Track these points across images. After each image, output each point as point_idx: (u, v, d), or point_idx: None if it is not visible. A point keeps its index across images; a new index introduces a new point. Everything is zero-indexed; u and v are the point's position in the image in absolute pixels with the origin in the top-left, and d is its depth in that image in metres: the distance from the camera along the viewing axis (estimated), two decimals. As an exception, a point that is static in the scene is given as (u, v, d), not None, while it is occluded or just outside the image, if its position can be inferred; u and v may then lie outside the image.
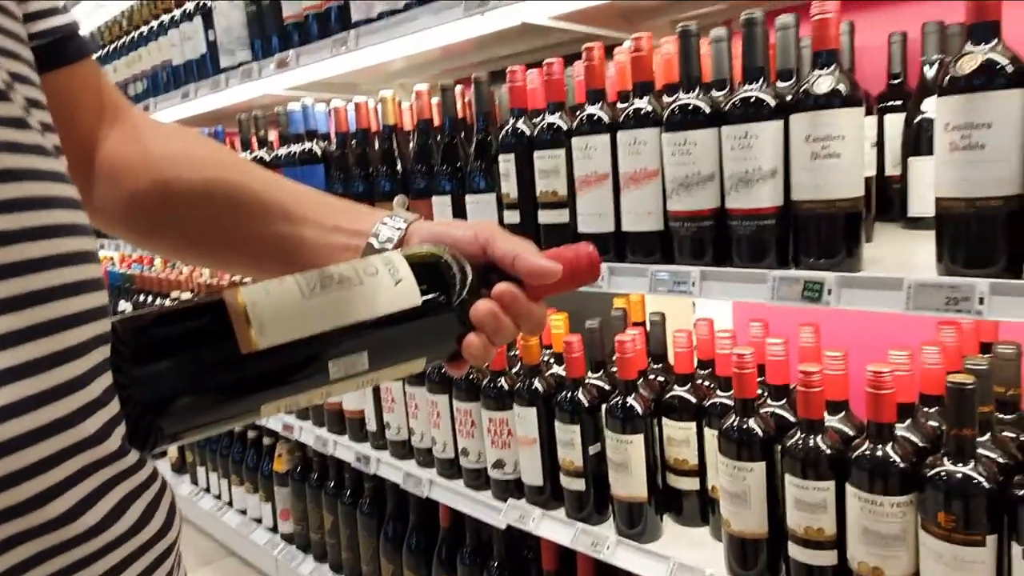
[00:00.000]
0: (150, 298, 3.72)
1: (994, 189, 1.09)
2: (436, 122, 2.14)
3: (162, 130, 0.84)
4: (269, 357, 0.61)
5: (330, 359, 0.64)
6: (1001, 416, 1.31)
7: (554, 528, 1.77)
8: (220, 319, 0.60)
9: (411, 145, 2.19)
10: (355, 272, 0.67)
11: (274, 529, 3.07)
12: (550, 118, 1.70)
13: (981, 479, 1.14)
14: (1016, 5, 1.47)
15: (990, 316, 1.09)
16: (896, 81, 1.76)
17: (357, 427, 2.41)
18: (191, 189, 0.80)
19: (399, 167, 2.20)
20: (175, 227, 0.82)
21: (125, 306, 3.88)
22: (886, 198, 1.73)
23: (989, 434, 1.25)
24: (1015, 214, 1.09)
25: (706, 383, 1.68)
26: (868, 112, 1.66)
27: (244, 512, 3.26)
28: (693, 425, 1.63)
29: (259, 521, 3.17)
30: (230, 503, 3.37)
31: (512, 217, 1.79)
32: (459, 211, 1.94)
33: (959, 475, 1.15)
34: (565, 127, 1.67)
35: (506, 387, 1.86)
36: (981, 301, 1.09)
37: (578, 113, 1.64)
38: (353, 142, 2.31)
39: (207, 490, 3.58)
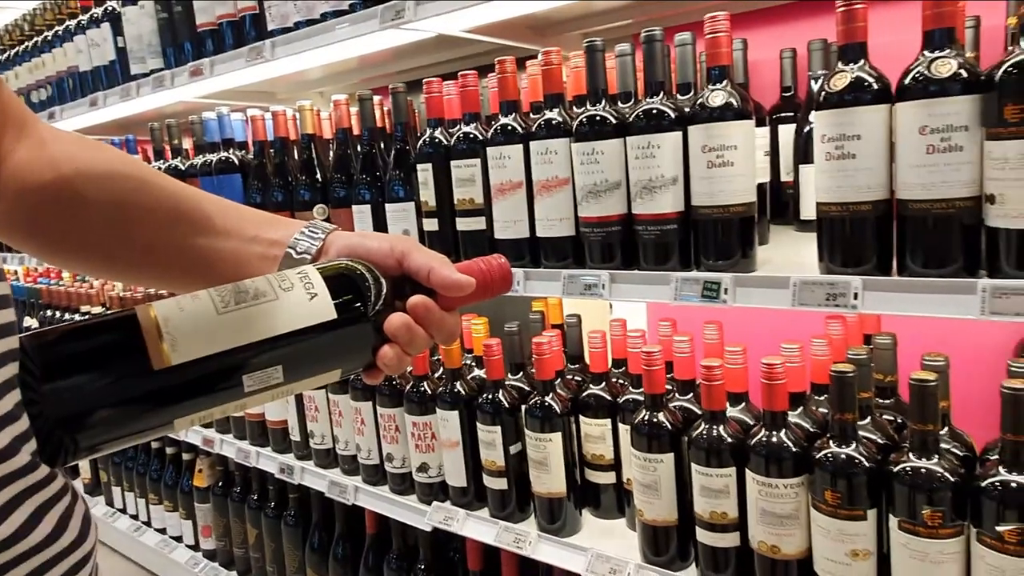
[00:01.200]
0: (58, 313, 3.56)
1: (865, 195, 1.20)
2: (355, 131, 2.16)
3: (70, 143, 0.83)
4: (182, 372, 0.62)
5: (244, 373, 0.65)
6: (880, 401, 1.44)
7: (478, 527, 1.81)
8: (131, 334, 0.61)
9: (330, 154, 2.20)
10: (270, 286, 0.69)
11: (195, 547, 2.99)
12: (466, 128, 1.75)
13: (862, 459, 1.25)
14: (886, 28, 1.62)
15: (863, 310, 1.20)
16: (787, 94, 1.89)
17: (280, 437, 2.39)
18: (101, 201, 0.80)
19: (318, 176, 2.20)
20: (87, 240, 0.82)
21: (31, 322, 3.70)
22: (781, 203, 1.86)
23: (870, 418, 1.36)
24: (883, 217, 1.20)
25: (620, 381, 1.76)
26: (761, 123, 1.79)
27: (163, 531, 3.17)
28: (608, 422, 1.71)
29: (179, 539, 3.08)
30: (148, 522, 3.27)
31: (431, 225, 1.83)
32: (379, 219, 1.97)
33: (843, 456, 1.26)
34: (480, 137, 1.72)
35: (429, 391, 1.90)
36: (856, 296, 1.20)
37: (493, 124, 1.70)
38: (271, 151, 2.30)
39: (123, 510, 3.46)
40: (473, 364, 1.99)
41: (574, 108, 1.66)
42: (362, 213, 2.00)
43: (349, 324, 0.71)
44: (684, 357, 1.57)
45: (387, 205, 1.94)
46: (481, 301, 0.80)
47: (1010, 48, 1.10)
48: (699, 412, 1.51)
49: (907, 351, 1.44)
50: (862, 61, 1.20)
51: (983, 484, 1.13)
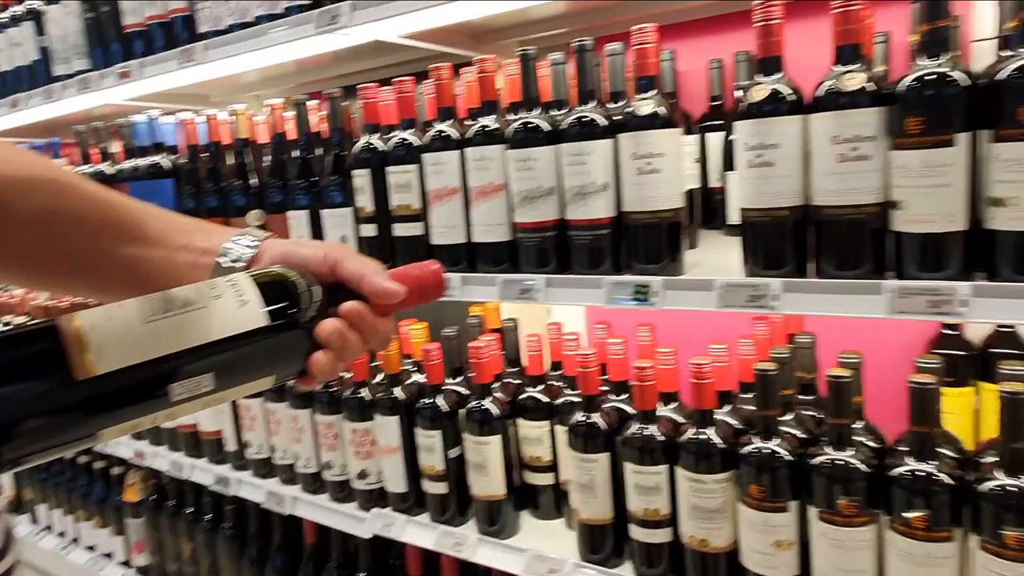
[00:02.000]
0: (-23, 324, 3.40)
1: (783, 201, 1.26)
2: (291, 136, 2.13)
3: None
4: (107, 382, 0.61)
5: (173, 382, 0.65)
6: (803, 398, 1.50)
7: (418, 533, 1.81)
8: (54, 344, 0.60)
9: (266, 159, 2.17)
10: (199, 294, 0.69)
11: (127, 564, 2.90)
12: (402, 134, 1.76)
13: (784, 453, 1.31)
14: (803, 41, 1.69)
15: (783, 310, 1.25)
16: (716, 103, 1.96)
17: (215, 448, 2.33)
18: (24, 209, 0.78)
19: (253, 181, 2.17)
20: (9, 249, 0.79)
21: (-54, 334, 3.51)
22: (710, 208, 1.92)
23: (792, 414, 1.43)
24: (800, 222, 1.26)
25: (557, 383, 1.79)
26: (691, 131, 1.85)
27: (93, 549, 3.05)
28: (546, 424, 1.73)
29: (110, 557, 2.98)
30: (76, 540, 3.14)
31: (368, 231, 1.83)
32: (316, 225, 1.95)
33: (766, 451, 1.31)
34: (417, 143, 1.73)
35: (368, 398, 1.89)
36: (775, 298, 1.25)
37: (429, 130, 1.71)
38: (204, 155, 2.25)
39: (49, 528, 3.31)
40: (413, 369, 1.99)
41: (509, 115, 1.69)
42: (298, 219, 1.98)
43: (281, 331, 0.71)
44: (618, 359, 1.61)
45: (324, 211, 1.92)
46: (416, 306, 0.81)
47: (912, 63, 1.17)
48: (633, 412, 1.55)
49: (832, 348, 1.50)
50: (779, 74, 1.26)
51: (893, 474, 1.19)
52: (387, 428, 1.83)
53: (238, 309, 0.69)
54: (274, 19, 1.91)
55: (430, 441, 1.76)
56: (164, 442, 2.53)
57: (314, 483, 2.06)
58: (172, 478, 2.56)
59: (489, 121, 1.61)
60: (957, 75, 1.09)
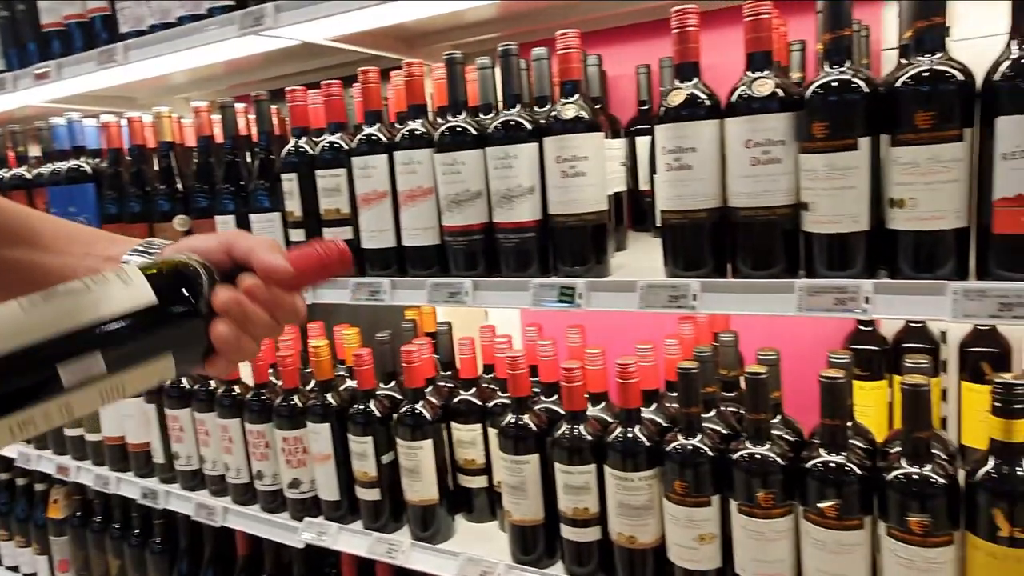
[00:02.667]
0: None
1: (701, 203, 1.29)
2: (218, 139, 2.09)
3: None
4: None
5: (59, 363, 0.62)
6: (725, 394, 1.54)
7: (352, 540, 1.79)
8: None
9: (192, 163, 2.11)
10: (83, 283, 0.67)
11: (53, 584, 2.78)
12: (331, 138, 1.74)
13: (706, 449, 1.34)
14: (720, 49, 1.74)
15: (702, 310, 1.29)
16: (644, 107, 1.99)
17: (143, 461, 2.26)
18: None
19: (179, 186, 2.11)
20: None
21: None
22: (640, 210, 1.96)
23: (715, 411, 1.46)
24: (717, 224, 1.29)
25: (490, 386, 1.79)
26: (619, 135, 1.88)
27: (16, 569, 2.92)
28: (479, 426, 1.74)
29: (34, 577, 2.85)
30: (-2, 562, 3.00)
31: (297, 235, 1.80)
32: (244, 230, 1.91)
33: (689, 448, 1.34)
34: (346, 147, 1.71)
35: (299, 405, 1.86)
36: (695, 298, 1.28)
37: (358, 133, 1.70)
38: (128, 159, 2.18)
39: (-32, 551, 3.15)
40: (346, 375, 1.97)
41: (439, 119, 1.69)
42: (225, 224, 1.94)
43: (172, 305, 0.69)
44: (548, 360, 1.62)
45: (252, 215, 1.89)
46: (322, 283, 0.80)
47: (819, 70, 1.21)
48: (563, 413, 1.56)
49: (757, 345, 1.54)
50: (695, 79, 1.29)
51: (807, 466, 1.24)
52: (319, 435, 1.80)
53: (123, 289, 0.67)
54: (197, 20, 1.87)
55: (362, 447, 1.75)
56: (89, 456, 2.44)
57: (246, 494, 2.02)
58: (98, 493, 2.47)
59: (417, 125, 1.61)
60: (858, 82, 1.14)
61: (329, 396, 1.82)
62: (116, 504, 2.44)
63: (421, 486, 1.70)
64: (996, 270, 1.08)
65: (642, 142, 1.95)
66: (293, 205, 1.79)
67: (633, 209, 1.96)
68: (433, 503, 1.71)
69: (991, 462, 1.11)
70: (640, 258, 1.65)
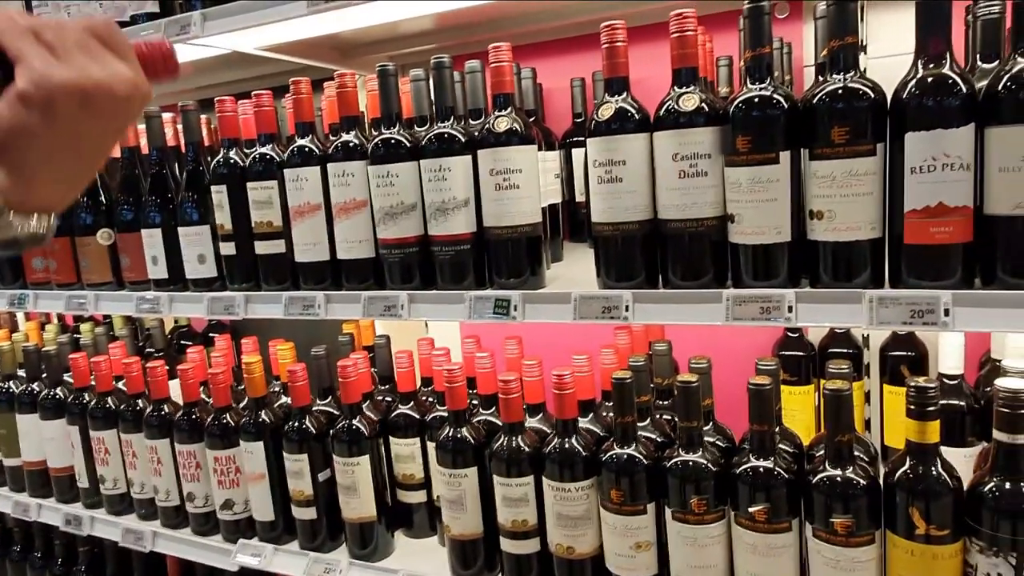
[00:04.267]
0: None
1: (632, 215, 1.31)
2: (144, 150, 2.02)
3: None
4: None
5: None
6: (660, 403, 1.57)
7: (287, 562, 1.75)
8: None
9: (117, 174, 2.04)
10: None
11: (-32, 619, 2.62)
12: (262, 149, 1.70)
13: (641, 458, 1.36)
14: (652, 63, 1.78)
15: (635, 321, 1.30)
16: (579, 120, 2.02)
17: (66, 486, 2.16)
18: None
19: (102, 198, 2.03)
20: None
21: None
22: (577, 222, 1.98)
23: (649, 419, 1.48)
24: (648, 235, 1.32)
25: (429, 399, 1.78)
26: (554, 147, 1.90)
27: (-73, 606, 2.74)
28: (417, 440, 1.72)
29: (-52, 613, 2.69)
30: (-93, 598, 2.81)
31: (228, 248, 1.76)
32: (171, 243, 1.85)
33: (624, 457, 1.36)
34: (277, 158, 1.68)
35: (232, 423, 1.81)
36: (627, 309, 1.30)
37: (290, 145, 1.67)
38: (47, 171, 2.09)
39: None
40: (281, 391, 1.93)
41: (373, 131, 1.68)
42: (152, 238, 1.88)
43: None
44: (486, 372, 1.62)
45: (180, 228, 1.83)
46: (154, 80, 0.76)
47: (743, 86, 1.25)
48: (501, 425, 1.56)
49: (692, 353, 1.57)
50: (624, 93, 1.32)
51: (737, 471, 1.26)
52: (252, 454, 1.76)
53: None
54: (120, 27, 1.81)
55: (298, 465, 1.71)
56: (7, 482, 2.32)
57: (176, 516, 1.95)
58: (17, 520, 2.35)
59: (351, 136, 1.59)
60: (778, 98, 1.18)
61: (263, 413, 1.77)
62: (37, 532, 2.33)
63: (359, 503, 1.67)
64: (908, 278, 1.13)
65: (577, 154, 1.97)
66: (223, 218, 1.74)
67: (569, 220, 1.98)
68: (371, 520, 1.69)
69: (908, 462, 1.16)
70: (576, 269, 1.67)
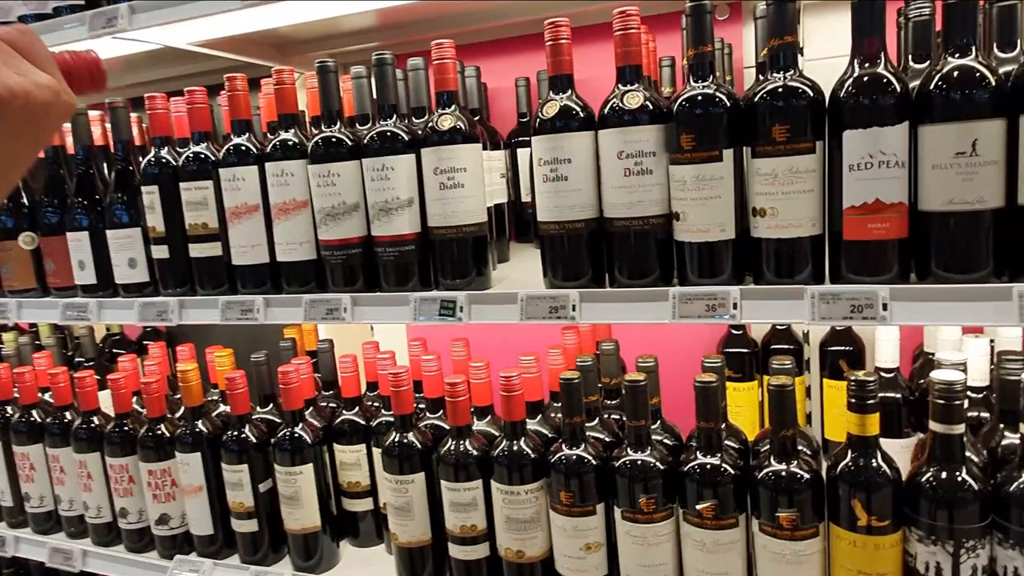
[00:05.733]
0: None
1: (577, 214, 1.30)
2: (70, 150, 1.92)
3: None
4: None
5: None
6: (608, 402, 1.56)
7: (228, 576, 1.68)
8: None
9: (41, 175, 1.94)
10: None
11: None
12: (196, 148, 1.63)
13: (589, 459, 1.35)
14: (598, 62, 1.78)
15: (582, 320, 1.30)
16: (524, 119, 2.01)
17: (-13, 505, 2.04)
18: None
19: (24, 200, 1.92)
20: None
21: None
22: (523, 222, 1.97)
23: (598, 419, 1.48)
24: (594, 234, 1.31)
25: (374, 404, 1.74)
26: (497, 146, 1.88)
27: None
28: (363, 447, 1.68)
29: None
30: None
31: (160, 252, 1.68)
32: (100, 247, 1.76)
33: (573, 458, 1.35)
34: (212, 158, 1.62)
35: (167, 434, 1.73)
36: (574, 308, 1.29)
37: (225, 144, 1.61)
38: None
39: None
40: (219, 400, 1.86)
41: (313, 129, 1.63)
42: (79, 241, 1.78)
43: None
44: (432, 375, 1.59)
45: (108, 231, 1.74)
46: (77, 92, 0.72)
47: (685, 85, 1.26)
48: (448, 428, 1.53)
49: (640, 351, 1.57)
50: (569, 91, 1.31)
51: (684, 469, 1.27)
52: (189, 466, 1.68)
53: None
54: (42, 19, 1.73)
55: (237, 476, 1.64)
56: (-78, 504, 2.17)
57: (108, 534, 1.86)
58: (-66, 545, 2.20)
59: (289, 135, 1.54)
60: (721, 96, 1.19)
61: (200, 423, 1.70)
62: (-44, 555, 2.18)
63: (302, 513, 1.62)
64: (848, 274, 1.14)
65: (523, 153, 1.96)
66: (155, 220, 1.67)
67: (515, 220, 1.97)
68: (315, 530, 1.64)
69: (849, 455, 1.18)
70: (522, 269, 1.65)
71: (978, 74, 1.04)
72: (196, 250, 1.65)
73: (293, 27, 1.97)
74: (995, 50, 1.19)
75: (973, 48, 1.06)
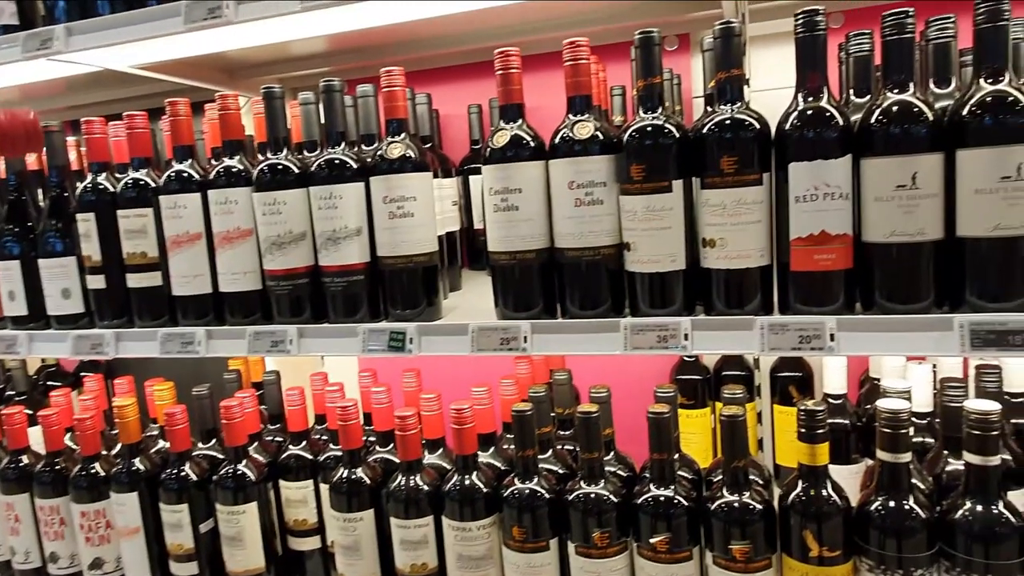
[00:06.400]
0: None
1: (528, 244, 1.29)
2: (1, 174, 1.84)
3: None
4: None
5: None
6: (562, 433, 1.54)
7: (166, 623, 1.60)
8: None
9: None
10: None
11: None
12: (135, 174, 1.58)
13: (542, 492, 1.32)
14: (547, 93, 1.79)
15: (534, 352, 1.28)
16: (476, 146, 2.00)
17: (-97, 552, 1.90)
18: None
19: (-50, 227, 1.83)
20: None
21: None
22: (475, 249, 1.95)
23: (551, 451, 1.45)
24: (546, 264, 1.30)
25: (322, 438, 1.68)
26: (449, 174, 1.86)
27: None
28: (310, 483, 1.62)
29: None
30: None
31: (97, 282, 1.61)
32: (31, 277, 1.68)
33: (526, 492, 1.32)
34: (153, 184, 1.56)
35: (101, 473, 1.64)
36: (526, 340, 1.27)
37: (167, 170, 1.55)
38: None
39: None
40: (159, 436, 1.78)
41: (260, 155, 1.59)
42: (9, 271, 1.70)
43: None
44: (382, 408, 1.55)
45: (41, 260, 1.67)
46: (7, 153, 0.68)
47: (636, 115, 1.26)
48: (399, 463, 1.49)
49: (594, 380, 1.55)
50: (520, 120, 1.30)
51: (638, 502, 1.25)
52: (125, 507, 1.60)
53: None
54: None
55: (176, 517, 1.57)
56: None
57: (36, 580, 1.75)
58: None
59: (234, 162, 1.50)
60: (670, 127, 1.19)
61: (137, 461, 1.63)
62: None
63: (245, 555, 1.55)
64: (796, 304, 1.15)
65: (476, 180, 1.95)
66: (91, 248, 1.60)
67: (468, 248, 1.95)
68: (259, 571, 1.57)
69: (800, 485, 1.18)
70: (474, 299, 1.63)
71: (916, 109, 1.07)
72: (134, 280, 1.58)
73: (242, 51, 1.93)
74: (931, 86, 1.22)
75: (911, 84, 1.09)
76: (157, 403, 1.76)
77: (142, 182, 1.57)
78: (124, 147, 1.63)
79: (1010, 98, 1.02)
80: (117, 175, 1.62)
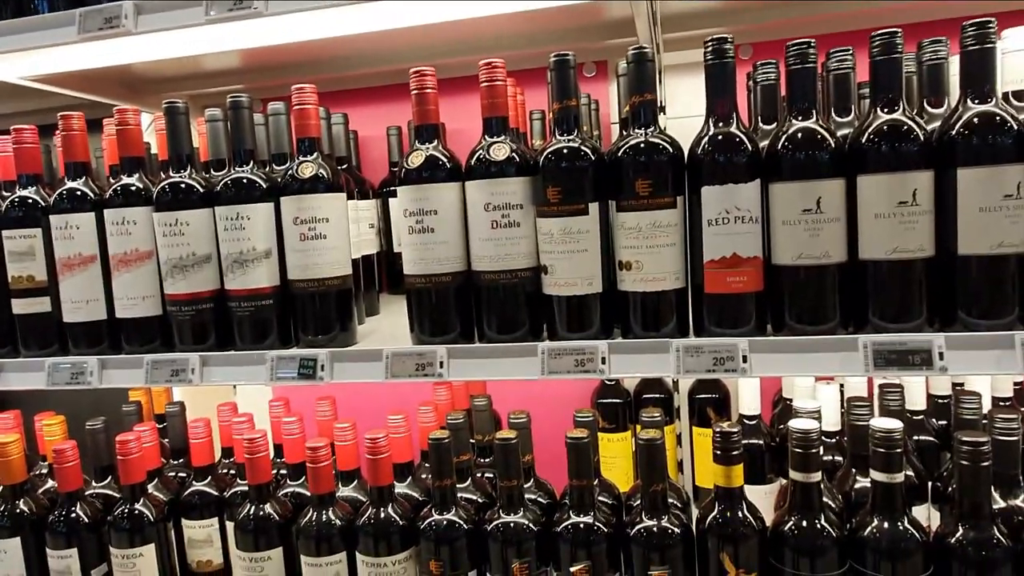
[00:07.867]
0: None
1: (445, 267, 1.26)
2: None
3: None
4: None
5: None
6: (481, 460, 1.51)
7: None
8: None
9: None
10: None
11: None
12: (22, 192, 1.47)
13: (460, 523, 1.28)
14: (466, 116, 1.78)
15: (450, 378, 1.24)
16: (395, 168, 1.96)
17: None
18: None
19: None
20: None
21: None
22: (395, 273, 1.90)
23: (470, 479, 1.42)
24: (463, 288, 1.27)
25: (229, 472, 1.59)
26: (366, 196, 1.82)
27: None
28: (215, 521, 1.52)
29: None
30: None
31: (-23, 308, 1.48)
32: (-99, 303, 1.54)
33: (443, 523, 1.28)
34: (41, 203, 1.46)
35: (-21, 517, 1.50)
36: (442, 365, 1.24)
37: (59, 188, 1.45)
38: None
39: None
40: (47, 473, 1.64)
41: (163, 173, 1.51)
42: None
43: None
44: (293, 439, 1.48)
45: (-87, 285, 1.52)
46: None
47: (552, 138, 1.26)
48: (310, 496, 1.42)
49: (514, 405, 1.52)
50: (436, 141, 1.27)
51: (558, 530, 1.22)
52: (6, 554, 1.46)
53: None
54: None
55: (65, 563, 1.45)
56: None
57: (-99, 640, 1.57)
58: None
59: (133, 180, 1.41)
60: (585, 150, 1.19)
61: (21, 503, 1.49)
62: None
63: (142, 601, 1.44)
64: (710, 327, 1.16)
65: (395, 203, 1.90)
66: (-29, 272, 1.47)
67: (388, 272, 1.91)
68: (157, 619, 1.46)
69: (716, 507, 1.18)
70: (392, 323, 1.58)
71: (820, 136, 1.10)
72: (20, 306, 1.47)
73: (148, 65, 1.84)
74: (833, 115, 1.27)
75: (814, 112, 1.12)
76: (46, 439, 1.63)
77: (30, 200, 1.46)
78: (10, 163, 1.52)
79: (905, 127, 1.06)
80: (3, 193, 1.50)
